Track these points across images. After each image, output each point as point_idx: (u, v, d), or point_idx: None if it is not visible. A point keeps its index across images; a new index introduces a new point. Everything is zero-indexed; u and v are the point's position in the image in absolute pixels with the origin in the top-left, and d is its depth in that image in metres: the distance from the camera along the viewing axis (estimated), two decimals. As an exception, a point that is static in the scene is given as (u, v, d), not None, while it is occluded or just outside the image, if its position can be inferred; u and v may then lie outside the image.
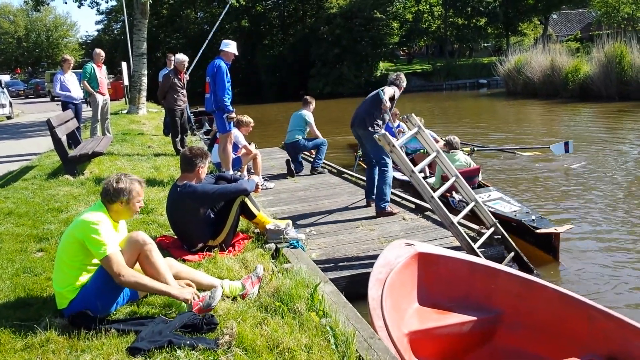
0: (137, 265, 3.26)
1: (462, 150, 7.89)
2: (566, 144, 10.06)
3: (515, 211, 6.19)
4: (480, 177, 7.51)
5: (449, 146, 7.50)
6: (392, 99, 6.14)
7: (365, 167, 6.74)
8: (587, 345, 3.16)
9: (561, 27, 54.91)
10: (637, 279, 4.98)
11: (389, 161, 6.06)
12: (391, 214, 6.02)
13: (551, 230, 5.48)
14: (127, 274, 3.06)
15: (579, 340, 3.21)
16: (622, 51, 21.23)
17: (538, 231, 5.54)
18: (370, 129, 6.02)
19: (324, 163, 9.18)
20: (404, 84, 6.43)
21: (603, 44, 22.11)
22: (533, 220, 5.79)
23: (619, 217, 6.76)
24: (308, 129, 8.87)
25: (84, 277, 3.16)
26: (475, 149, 10.15)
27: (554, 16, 52.58)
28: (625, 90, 20.92)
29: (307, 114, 8.82)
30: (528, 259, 5.12)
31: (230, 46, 6.98)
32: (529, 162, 10.22)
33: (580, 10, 53.71)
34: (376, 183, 6.13)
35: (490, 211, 5.86)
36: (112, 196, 3.23)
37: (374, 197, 6.39)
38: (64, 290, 3.13)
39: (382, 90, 6.09)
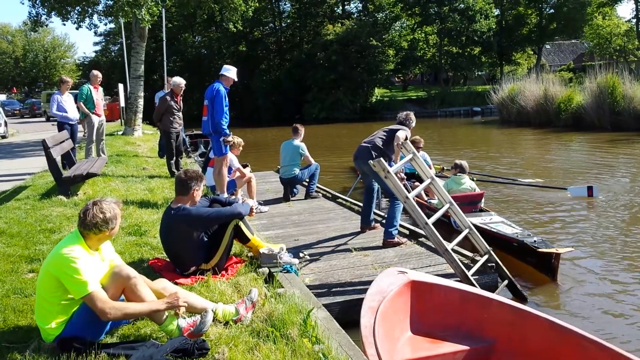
0: None
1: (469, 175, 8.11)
2: (590, 188, 9.20)
3: (516, 233, 6.34)
4: (482, 203, 7.71)
5: (459, 169, 7.81)
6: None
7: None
8: None
9: (554, 57, 55.78)
10: (631, 310, 4.98)
11: None
12: (398, 244, 5.89)
13: (552, 250, 5.64)
14: (111, 310, 2.93)
15: None
16: (614, 82, 21.54)
17: (540, 250, 5.69)
18: None
19: (318, 188, 9.19)
20: (414, 124, 6.34)
21: (595, 75, 22.43)
22: (535, 241, 5.92)
23: (617, 246, 6.78)
24: (302, 159, 8.82)
25: (65, 314, 3.03)
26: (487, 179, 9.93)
27: (547, 46, 53.46)
28: (618, 121, 21.16)
29: (301, 146, 8.63)
30: (526, 282, 5.11)
31: (231, 72, 7.06)
32: (530, 190, 10.16)
33: (573, 41, 54.67)
34: (388, 211, 6.01)
35: (492, 231, 6.50)
36: (99, 227, 3.07)
37: (370, 222, 6.47)
38: (47, 327, 3.02)
39: (395, 130, 5.99)
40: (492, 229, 6.56)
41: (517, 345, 3.46)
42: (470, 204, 7.44)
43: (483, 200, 7.78)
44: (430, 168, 9.37)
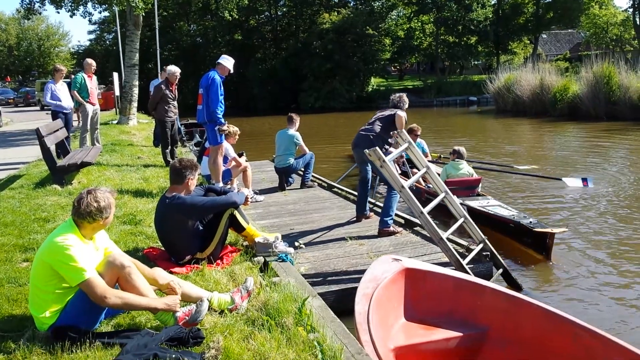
0: None
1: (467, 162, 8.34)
2: (584, 179, 9.08)
3: (513, 215, 6.66)
4: (479, 188, 8.01)
5: (457, 155, 8.08)
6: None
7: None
8: None
9: (550, 46, 55.74)
10: (624, 296, 5.02)
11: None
12: (393, 233, 5.91)
13: (547, 230, 5.93)
14: (111, 295, 2.93)
15: (564, 357, 3.22)
16: (610, 72, 21.54)
17: (535, 230, 5.98)
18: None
19: (314, 177, 9.18)
20: (407, 105, 6.36)
21: (592, 64, 22.43)
22: (530, 222, 6.26)
23: (613, 235, 6.82)
24: (297, 148, 8.79)
25: (59, 303, 3.02)
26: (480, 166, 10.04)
27: (544, 36, 53.37)
28: (613, 110, 21.20)
29: (296, 135, 8.56)
30: (520, 270, 5.14)
31: (228, 61, 7.00)
32: (527, 179, 10.08)
33: (569, 30, 54.65)
34: (385, 201, 6.04)
35: (490, 214, 6.88)
36: (93, 215, 3.06)
37: (365, 212, 6.52)
38: (41, 316, 3.01)
39: (392, 114, 6.08)
40: (490, 212, 6.88)
41: (510, 332, 3.48)
42: (467, 188, 7.75)
43: (480, 185, 8.05)
44: (427, 156, 9.68)
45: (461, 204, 6.46)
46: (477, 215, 6.62)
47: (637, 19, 41.48)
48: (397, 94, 6.47)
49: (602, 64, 21.96)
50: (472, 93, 39.57)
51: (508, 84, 27.29)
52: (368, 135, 6.06)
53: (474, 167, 8.57)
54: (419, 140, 9.40)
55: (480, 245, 5.14)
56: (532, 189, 9.51)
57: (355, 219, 6.58)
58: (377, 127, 6.08)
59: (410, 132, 8.76)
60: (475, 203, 7.19)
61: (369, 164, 6.23)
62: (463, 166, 7.94)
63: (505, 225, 6.59)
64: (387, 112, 6.19)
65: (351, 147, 6.41)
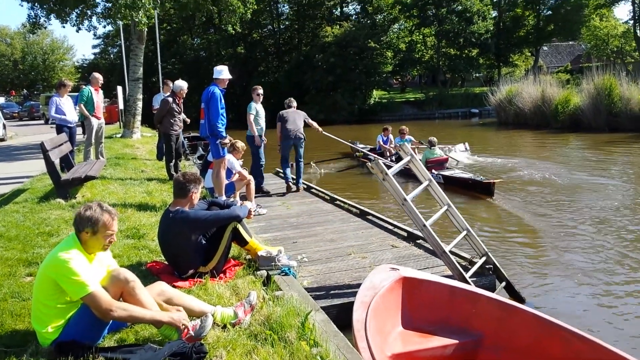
0: None
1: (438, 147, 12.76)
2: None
3: (470, 176, 11.05)
4: (447, 164, 12.40)
5: (431, 144, 12.42)
6: None
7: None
8: None
9: (551, 58, 55.88)
10: (617, 304, 5.04)
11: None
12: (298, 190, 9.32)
13: (491, 180, 10.18)
14: (116, 308, 2.95)
15: None
16: (611, 83, 21.57)
17: (484, 181, 10.23)
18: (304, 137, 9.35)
19: (316, 189, 9.24)
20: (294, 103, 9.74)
21: (593, 76, 22.47)
22: (481, 178, 10.53)
23: (611, 243, 6.87)
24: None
25: (62, 318, 3.02)
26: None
27: (545, 48, 53.55)
28: (615, 122, 21.21)
29: (250, 106, 9.50)
30: (523, 284, 5.14)
31: (223, 72, 7.07)
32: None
33: (570, 42, 54.79)
34: (297, 171, 9.48)
35: (456, 177, 11.20)
36: (78, 224, 3.07)
37: (290, 185, 9.43)
38: (44, 331, 3.01)
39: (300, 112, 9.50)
40: (456, 176, 11.23)
41: (504, 339, 3.55)
42: (440, 165, 12.05)
43: (448, 162, 12.56)
44: (412, 144, 13.84)
45: (438, 174, 11.30)
46: (450, 179, 11.18)
47: (638, 31, 41.61)
48: (288, 99, 9.82)
49: (604, 76, 22.00)
50: (473, 105, 39.65)
51: (509, 96, 27.33)
52: (297, 126, 9.20)
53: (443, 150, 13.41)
54: (406, 137, 13.88)
55: (484, 259, 5.14)
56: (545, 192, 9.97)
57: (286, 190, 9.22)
58: (300, 122, 9.30)
59: (400, 132, 13.89)
60: (447, 172, 11.59)
61: (292, 147, 9.31)
62: (436, 150, 12.42)
63: (466, 183, 10.72)
64: (295, 111, 9.49)
65: (284, 139, 9.32)
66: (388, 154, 13.94)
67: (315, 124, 9.66)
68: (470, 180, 10.57)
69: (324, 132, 10.08)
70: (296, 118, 9.43)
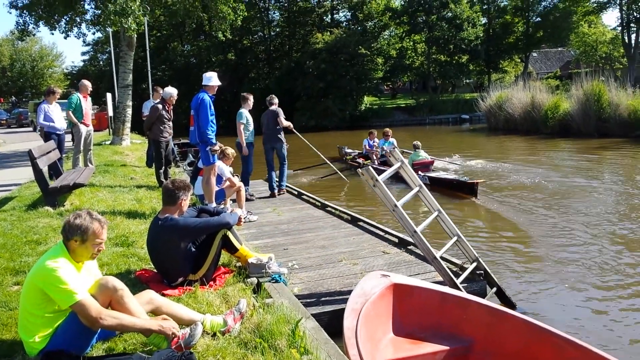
0: None
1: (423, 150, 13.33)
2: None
3: (456, 177, 11.59)
4: (432, 166, 13.21)
5: (416, 147, 13.09)
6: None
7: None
8: None
9: (541, 64, 56.38)
10: (609, 310, 5.04)
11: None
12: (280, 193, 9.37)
13: (475, 180, 10.74)
14: (106, 316, 2.92)
15: None
16: (600, 89, 21.76)
17: (468, 182, 10.74)
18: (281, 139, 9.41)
19: (308, 196, 9.22)
20: (276, 100, 9.66)
21: (582, 82, 22.66)
22: (465, 179, 11.05)
23: (604, 249, 6.90)
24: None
25: (49, 327, 2.98)
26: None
27: (534, 54, 54.04)
28: (604, 127, 21.40)
29: (240, 113, 9.43)
30: (514, 289, 5.14)
31: (212, 79, 7.05)
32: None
33: (559, 48, 55.31)
34: (280, 174, 9.64)
35: (442, 178, 11.79)
36: (67, 233, 3.04)
37: (274, 189, 9.57)
38: (31, 341, 2.97)
39: (275, 110, 9.37)
40: (442, 177, 11.89)
41: (494, 344, 3.55)
42: (426, 167, 12.72)
43: (434, 164, 13.39)
44: (396, 148, 12.80)
45: (424, 175, 11.79)
46: (436, 181, 11.72)
47: (626, 37, 42.11)
48: (270, 96, 9.80)
49: (592, 82, 22.20)
50: (464, 111, 39.90)
51: (499, 102, 27.52)
52: (269, 130, 9.33)
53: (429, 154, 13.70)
54: (391, 139, 14.41)
55: (474, 264, 5.14)
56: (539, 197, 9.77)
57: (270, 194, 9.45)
58: (272, 125, 9.17)
59: (384, 134, 14.58)
60: (433, 174, 12.25)
61: (274, 152, 9.40)
62: (421, 153, 13.05)
63: (451, 183, 11.27)
64: (270, 112, 9.21)
65: (263, 143, 9.56)
66: (375, 156, 14.86)
67: (285, 123, 9.53)
68: (455, 181, 11.18)
69: (295, 132, 10.64)
70: (270, 121, 9.49)
